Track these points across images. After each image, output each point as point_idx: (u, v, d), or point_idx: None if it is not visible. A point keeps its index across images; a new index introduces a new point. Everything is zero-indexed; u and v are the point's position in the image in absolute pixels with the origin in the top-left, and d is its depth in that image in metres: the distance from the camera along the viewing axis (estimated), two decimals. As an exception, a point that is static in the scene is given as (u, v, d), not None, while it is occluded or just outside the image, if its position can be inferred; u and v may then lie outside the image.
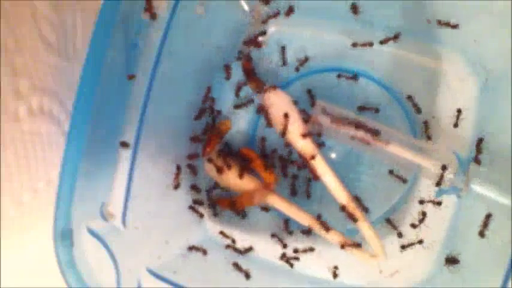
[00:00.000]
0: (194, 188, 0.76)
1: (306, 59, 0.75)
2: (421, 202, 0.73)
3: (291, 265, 0.75)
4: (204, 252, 0.73)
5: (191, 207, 0.75)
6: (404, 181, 0.73)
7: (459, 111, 0.71)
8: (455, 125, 0.71)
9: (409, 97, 0.73)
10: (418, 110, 0.73)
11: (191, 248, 0.72)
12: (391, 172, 0.73)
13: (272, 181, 0.74)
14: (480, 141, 0.68)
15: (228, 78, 0.76)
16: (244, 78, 0.76)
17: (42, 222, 0.62)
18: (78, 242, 0.58)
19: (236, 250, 0.75)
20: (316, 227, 0.73)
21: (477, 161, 0.68)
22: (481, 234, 0.64)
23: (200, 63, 0.74)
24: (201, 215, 0.76)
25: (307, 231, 0.74)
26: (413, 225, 0.72)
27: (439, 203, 0.72)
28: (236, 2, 0.74)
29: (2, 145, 0.60)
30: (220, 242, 0.77)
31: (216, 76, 0.77)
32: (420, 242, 0.72)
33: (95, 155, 0.60)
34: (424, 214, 0.72)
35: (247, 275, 0.72)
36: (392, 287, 0.72)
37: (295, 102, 0.73)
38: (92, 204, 0.61)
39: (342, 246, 0.71)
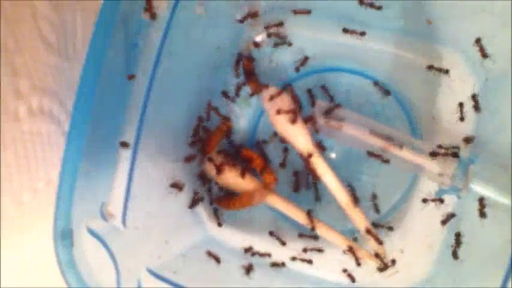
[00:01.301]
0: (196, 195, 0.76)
1: (306, 59, 0.75)
2: (424, 201, 0.73)
3: (283, 264, 0.75)
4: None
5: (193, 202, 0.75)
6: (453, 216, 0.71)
7: (461, 104, 0.71)
8: (462, 119, 0.71)
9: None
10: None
11: (209, 254, 0.73)
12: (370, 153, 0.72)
13: (272, 181, 0.74)
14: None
15: (237, 74, 0.76)
16: (244, 78, 0.76)
17: (42, 222, 0.62)
18: (78, 242, 0.58)
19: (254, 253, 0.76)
20: (317, 228, 0.73)
21: (477, 108, 0.69)
22: (482, 214, 0.64)
23: (200, 63, 0.74)
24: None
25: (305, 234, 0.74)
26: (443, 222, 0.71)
27: (441, 200, 0.71)
28: (236, 2, 0.74)
29: (2, 145, 0.60)
30: (220, 242, 0.77)
31: (216, 76, 0.77)
32: (393, 261, 0.72)
33: (95, 155, 0.60)
34: (451, 216, 0.71)
35: (248, 270, 0.73)
36: (392, 287, 0.72)
37: (296, 99, 0.73)
38: (92, 204, 0.61)
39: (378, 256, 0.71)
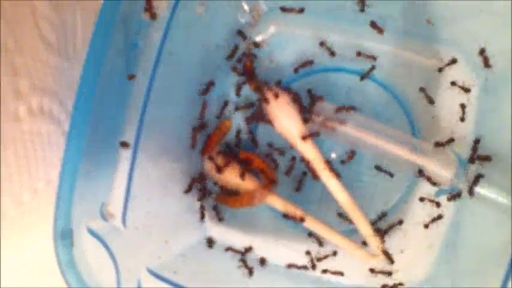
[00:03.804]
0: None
1: (310, 63, 0.75)
2: (422, 199, 0.73)
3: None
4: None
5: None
6: (391, 175, 0.73)
7: (463, 105, 0.71)
8: (462, 119, 0.71)
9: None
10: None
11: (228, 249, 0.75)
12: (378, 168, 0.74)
13: (272, 182, 0.74)
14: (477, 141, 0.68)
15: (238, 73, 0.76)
16: (245, 78, 0.76)
17: (42, 222, 0.62)
18: (78, 242, 0.58)
19: (237, 252, 0.75)
20: (316, 227, 0.73)
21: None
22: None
23: (200, 63, 0.74)
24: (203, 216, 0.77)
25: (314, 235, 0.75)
26: (426, 226, 0.73)
27: (438, 204, 0.72)
28: (236, 2, 0.74)
29: (2, 145, 0.60)
30: (220, 242, 0.77)
31: (216, 75, 0.77)
32: (390, 273, 0.72)
33: (95, 155, 0.60)
34: (439, 217, 0.72)
35: (251, 272, 0.72)
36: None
37: (297, 99, 0.73)
38: (92, 204, 0.61)
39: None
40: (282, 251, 0.76)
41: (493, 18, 0.64)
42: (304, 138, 0.70)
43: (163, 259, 0.69)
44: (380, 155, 0.71)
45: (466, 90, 0.71)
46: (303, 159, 0.72)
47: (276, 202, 0.73)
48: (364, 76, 0.74)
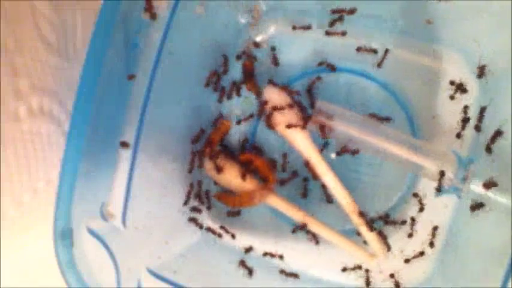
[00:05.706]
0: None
1: (332, 67, 0.75)
2: (415, 195, 0.73)
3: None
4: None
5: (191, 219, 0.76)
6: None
7: (466, 107, 0.71)
8: (466, 120, 0.71)
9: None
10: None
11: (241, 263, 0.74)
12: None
13: (272, 182, 0.74)
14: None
15: (210, 83, 0.75)
16: (243, 78, 0.76)
17: (42, 222, 0.62)
18: (78, 242, 0.58)
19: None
20: (316, 227, 0.73)
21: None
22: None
23: (200, 63, 0.74)
24: (201, 226, 0.77)
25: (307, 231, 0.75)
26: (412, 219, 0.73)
27: (421, 209, 0.72)
28: (236, 2, 0.74)
29: (2, 145, 0.60)
30: (220, 242, 0.77)
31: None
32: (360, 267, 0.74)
33: (95, 155, 0.60)
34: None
35: (251, 272, 0.73)
36: (392, 287, 0.72)
37: (297, 97, 0.73)
38: (92, 204, 0.61)
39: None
40: (281, 251, 0.76)
41: (493, 18, 0.64)
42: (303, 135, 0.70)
43: (163, 259, 0.69)
44: (380, 155, 0.71)
45: (463, 90, 0.71)
46: (305, 163, 0.72)
47: (276, 202, 0.74)
48: (380, 63, 0.74)
